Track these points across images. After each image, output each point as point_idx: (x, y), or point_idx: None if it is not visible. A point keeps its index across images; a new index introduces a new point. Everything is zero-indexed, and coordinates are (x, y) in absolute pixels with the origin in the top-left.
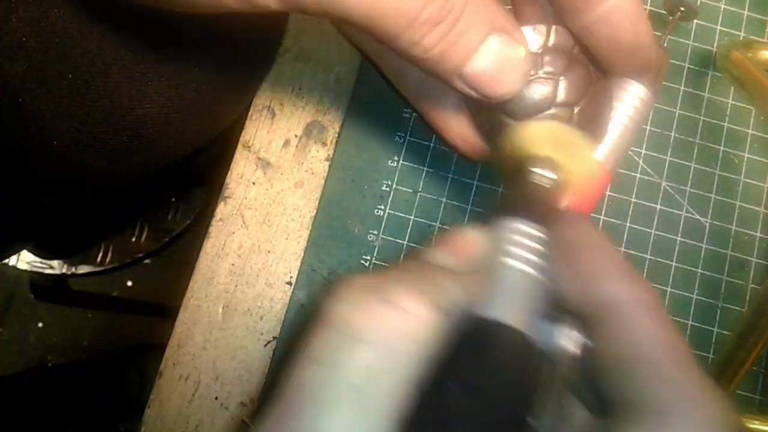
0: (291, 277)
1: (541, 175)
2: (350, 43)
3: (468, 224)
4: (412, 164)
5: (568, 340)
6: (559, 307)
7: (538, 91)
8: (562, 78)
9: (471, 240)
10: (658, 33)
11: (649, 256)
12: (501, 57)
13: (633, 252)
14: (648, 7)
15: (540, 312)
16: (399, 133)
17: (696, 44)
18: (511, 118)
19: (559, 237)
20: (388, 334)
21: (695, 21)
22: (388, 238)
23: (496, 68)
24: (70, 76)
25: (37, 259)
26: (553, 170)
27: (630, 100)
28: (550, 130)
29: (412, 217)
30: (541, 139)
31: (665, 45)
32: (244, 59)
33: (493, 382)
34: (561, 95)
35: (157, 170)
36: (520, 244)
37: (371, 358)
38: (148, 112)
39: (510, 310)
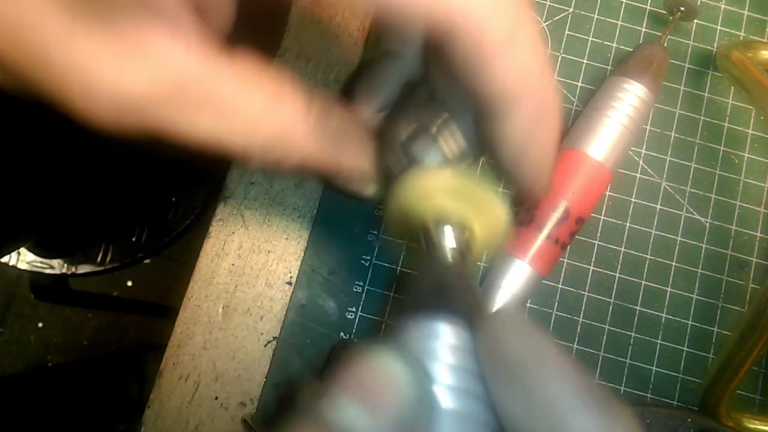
0: (291, 277)
1: (444, 239)
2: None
3: (379, 344)
4: None
5: None
6: None
7: (427, 152)
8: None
9: (386, 378)
10: (658, 33)
11: (649, 256)
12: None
13: (633, 252)
14: (648, 7)
15: None
16: None
17: (696, 44)
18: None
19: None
20: None
21: (695, 21)
22: (388, 238)
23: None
24: None
25: (38, 258)
26: (457, 230)
27: (630, 100)
28: (445, 181)
29: None
30: (437, 193)
31: (665, 45)
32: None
33: None
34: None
35: (155, 168)
36: (454, 367)
37: None
38: None
39: None
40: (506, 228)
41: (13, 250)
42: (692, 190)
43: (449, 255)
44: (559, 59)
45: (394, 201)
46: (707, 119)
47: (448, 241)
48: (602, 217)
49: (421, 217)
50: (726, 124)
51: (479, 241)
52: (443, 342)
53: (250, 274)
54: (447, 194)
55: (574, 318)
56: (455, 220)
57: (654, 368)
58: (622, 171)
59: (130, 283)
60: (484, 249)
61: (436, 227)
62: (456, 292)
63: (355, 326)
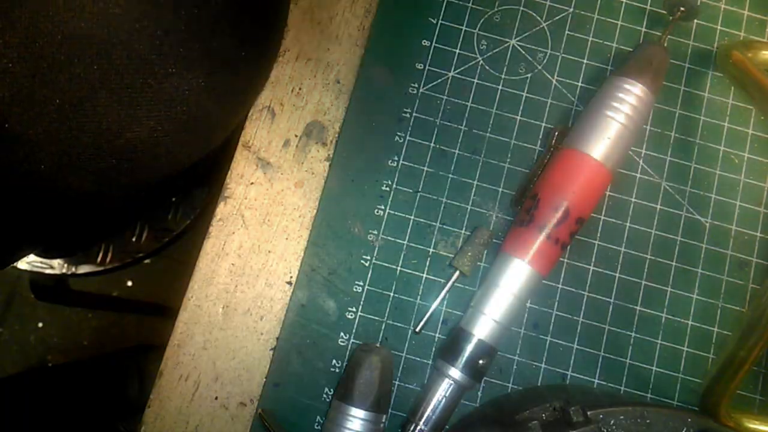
0: (291, 277)
1: None
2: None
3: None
4: (411, 164)
5: None
6: None
7: None
8: None
9: None
10: (658, 33)
11: (649, 256)
12: None
13: (633, 252)
14: (648, 7)
15: None
16: (399, 133)
17: (696, 44)
18: None
19: None
20: None
21: (695, 21)
22: (388, 238)
23: None
24: (57, 101)
25: (38, 259)
26: None
27: (630, 100)
28: None
29: (412, 217)
30: None
31: (665, 45)
32: (237, 79)
33: None
34: None
35: (147, 190)
36: None
37: None
38: (137, 136)
39: None
40: None
41: (18, 260)
42: (692, 190)
43: None
44: (559, 59)
45: None
46: (707, 119)
47: None
48: (602, 217)
49: None
50: (726, 124)
51: None
52: None
53: (250, 274)
54: None
55: (574, 318)
56: None
57: (654, 368)
58: (622, 171)
59: (130, 283)
60: None
61: None
62: None
63: (355, 326)
